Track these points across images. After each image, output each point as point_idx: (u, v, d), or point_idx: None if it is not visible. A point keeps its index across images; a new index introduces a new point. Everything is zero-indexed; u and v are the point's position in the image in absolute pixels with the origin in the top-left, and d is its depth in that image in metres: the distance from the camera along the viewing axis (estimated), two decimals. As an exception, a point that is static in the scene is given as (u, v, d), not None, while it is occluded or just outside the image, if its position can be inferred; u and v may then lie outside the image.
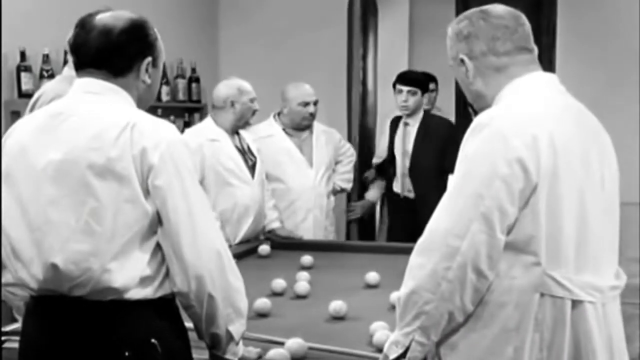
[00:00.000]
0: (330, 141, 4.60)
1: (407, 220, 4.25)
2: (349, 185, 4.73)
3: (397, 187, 4.51)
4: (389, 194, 4.66)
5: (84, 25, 1.80)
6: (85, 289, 1.70)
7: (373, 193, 4.81)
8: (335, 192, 4.67)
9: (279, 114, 4.47)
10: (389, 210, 4.75)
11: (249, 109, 3.87)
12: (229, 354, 1.82)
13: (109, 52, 1.78)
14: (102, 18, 1.79)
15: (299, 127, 4.44)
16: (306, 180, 4.40)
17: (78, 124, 1.72)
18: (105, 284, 1.69)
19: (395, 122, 4.59)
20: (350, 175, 4.73)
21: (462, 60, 1.83)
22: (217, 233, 1.78)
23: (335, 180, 4.63)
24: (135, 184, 1.68)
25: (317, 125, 4.57)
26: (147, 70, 1.83)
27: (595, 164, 1.74)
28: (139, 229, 1.71)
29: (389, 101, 4.84)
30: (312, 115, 4.42)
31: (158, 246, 1.75)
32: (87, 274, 1.68)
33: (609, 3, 5.38)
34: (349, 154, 4.74)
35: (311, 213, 4.38)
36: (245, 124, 3.93)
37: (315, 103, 4.42)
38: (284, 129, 4.44)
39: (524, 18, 1.84)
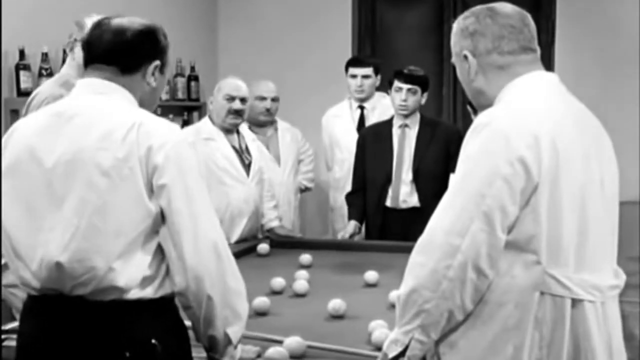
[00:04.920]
0: (294, 139, 4.72)
1: (399, 234, 3.82)
2: (312, 184, 4.88)
3: (388, 201, 3.99)
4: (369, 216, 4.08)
5: (100, 25, 1.85)
6: (88, 288, 1.70)
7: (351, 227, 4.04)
8: (301, 190, 4.82)
9: None
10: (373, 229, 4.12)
11: (223, 107, 3.77)
12: (226, 357, 1.82)
13: (120, 49, 1.82)
14: (118, 20, 1.84)
15: (256, 122, 4.51)
16: (274, 176, 4.44)
17: (84, 124, 1.73)
18: (108, 283, 1.69)
19: (364, 137, 4.15)
20: (313, 174, 4.88)
21: (465, 57, 1.83)
22: (219, 235, 1.78)
23: (299, 180, 4.77)
24: (140, 183, 1.69)
25: (281, 123, 4.67)
26: (153, 74, 1.86)
27: (595, 164, 1.74)
28: (143, 229, 1.71)
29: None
30: (268, 111, 4.48)
31: (159, 246, 1.76)
32: (91, 273, 1.69)
33: (608, 2, 5.38)
34: (310, 152, 4.87)
35: (280, 209, 4.41)
36: (232, 124, 3.81)
37: (274, 99, 4.47)
38: (249, 127, 4.47)
39: (529, 18, 1.83)
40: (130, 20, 1.85)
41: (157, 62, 1.87)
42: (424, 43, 5.75)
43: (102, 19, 1.87)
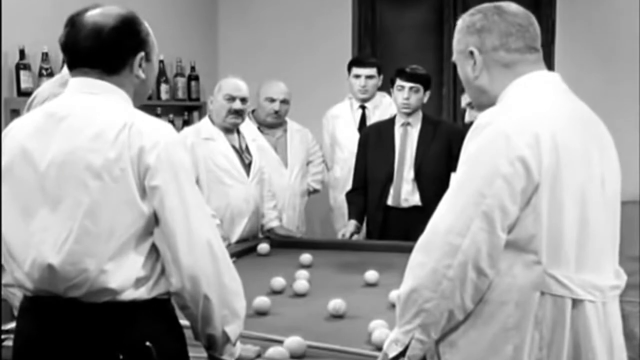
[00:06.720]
0: (304, 140, 4.64)
1: (400, 232, 3.84)
2: (320, 186, 4.79)
3: (390, 200, 4.00)
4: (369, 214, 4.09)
5: (74, 24, 1.78)
6: (81, 290, 1.69)
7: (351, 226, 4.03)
8: (308, 192, 4.74)
9: (253, 111, 4.49)
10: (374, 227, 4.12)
11: (223, 107, 3.76)
12: (226, 355, 1.82)
13: (101, 51, 1.76)
14: (91, 16, 1.77)
15: (265, 123, 4.47)
16: (281, 179, 4.41)
17: (76, 125, 1.72)
18: (101, 285, 1.68)
19: (367, 135, 4.16)
20: (321, 176, 4.79)
21: (471, 53, 1.83)
22: (213, 234, 1.77)
23: (308, 181, 4.70)
24: (132, 184, 1.68)
25: (291, 124, 4.60)
26: (140, 66, 1.82)
27: (597, 163, 1.74)
28: (136, 230, 1.70)
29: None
30: (277, 113, 4.41)
31: (153, 246, 1.75)
32: (84, 275, 1.68)
33: (608, 1, 5.38)
34: (320, 154, 4.79)
35: (284, 213, 4.39)
36: (232, 124, 3.80)
37: (283, 102, 4.41)
38: (258, 127, 4.45)
39: (534, 18, 1.84)
40: (104, 14, 1.77)
41: (142, 54, 1.81)
42: (424, 43, 5.75)
43: (74, 15, 1.79)
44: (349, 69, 4.61)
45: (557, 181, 1.65)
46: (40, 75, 3.97)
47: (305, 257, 3.31)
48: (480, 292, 1.67)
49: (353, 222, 4.00)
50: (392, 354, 1.72)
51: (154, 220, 1.73)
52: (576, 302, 1.68)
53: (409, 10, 5.83)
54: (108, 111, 1.73)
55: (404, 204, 3.99)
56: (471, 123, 1.76)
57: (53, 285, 1.71)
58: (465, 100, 4.45)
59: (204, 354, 1.84)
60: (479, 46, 1.81)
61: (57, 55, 3.99)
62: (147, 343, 1.71)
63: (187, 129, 4.02)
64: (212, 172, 3.72)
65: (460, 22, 1.87)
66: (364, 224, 4.11)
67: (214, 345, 1.80)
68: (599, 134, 1.80)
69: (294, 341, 2.04)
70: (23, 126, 1.80)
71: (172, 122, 4.95)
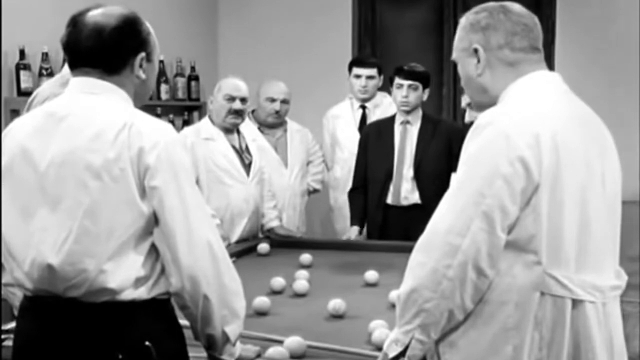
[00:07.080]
0: (304, 140, 4.64)
1: (400, 231, 3.89)
2: (320, 186, 4.79)
3: (389, 198, 4.01)
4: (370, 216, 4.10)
5: (75, 24, 1.78)
6: (80, 290, 1.69)
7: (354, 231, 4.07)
8: (309, 192, 4.74)
9: (253, 111, 4.50)
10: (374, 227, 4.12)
11: (223, 107, 3.77)
12: (225, 355, 1.82)
13: (102, 51, 1.77)
14: (93, 16, 1.77)
15: (265, 123, 4.47)
16: (281, 179, 4.41)
17: (76, 125, 1.72)
18: (100, 285, 1.68)
19: (367, 134, 4.18)
20: (322, 176, 4.79)
21: (475, 50, 1.83)
22: (213, 234, 1.77)
23: (308, 181, 4.70)
24: (132, 185, 1.68)
25: (291, 124, 4.60)
26: (141, 66, 1.82)
27: (597, 164, 1.74)
28: (135, 230, 1.70)
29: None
30: (277, 113, 4.42)
31: (153, 246, 1.75)
32: (83, 275, 1.68)
33: (608, 2, 5.38)
34: (320, 154, 4.79)
35: (284, 213, 4.39)
36: (232, 124, 3.81)
37: (284, 101, 4.42)
38: (258, 127, 4.45)
39: (537, 19, 1.85)
40: (106, 14, 1.78)
41: (143, 54, 1.81)
42: (424, 43, 5.75)
43: (76, 15, 1.79)
44: (350, 69, 4.61)
45: (557, 181, 1.65)
46: (40, 75, 3.97)
47: (305, 257, 3.31)
48: (480, 292, 1.67)
49: (356, 228, 4.02)
50: (392, 354, 1.72)
51: (154, 220, 1.72)
52: (576, 303, 1.68)
53: (409, 10, 5.83)
54: (108, 111, 1.73)
55: (404, 202, 3.99)
56: (471, 123, 1.76)
57: (52, 285, 1.71)
58: (465, 100, 4.45)
59: (204, 354, 1.84)
60: (484, 44, 1.81)
61: (57, 55, 3.99)
62: (147, 343, 1.71)
63: (187, 129, 4.02)
64: (212, 172, 3.72)
65: (463, 20, 1.87)
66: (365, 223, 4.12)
67: (213, 345, 1.80)
68: (600, 135, 1.80)
69: (294, 341, 2.04)
70: (23, 126, 1.79)
71: (172, 122, 4.95)
